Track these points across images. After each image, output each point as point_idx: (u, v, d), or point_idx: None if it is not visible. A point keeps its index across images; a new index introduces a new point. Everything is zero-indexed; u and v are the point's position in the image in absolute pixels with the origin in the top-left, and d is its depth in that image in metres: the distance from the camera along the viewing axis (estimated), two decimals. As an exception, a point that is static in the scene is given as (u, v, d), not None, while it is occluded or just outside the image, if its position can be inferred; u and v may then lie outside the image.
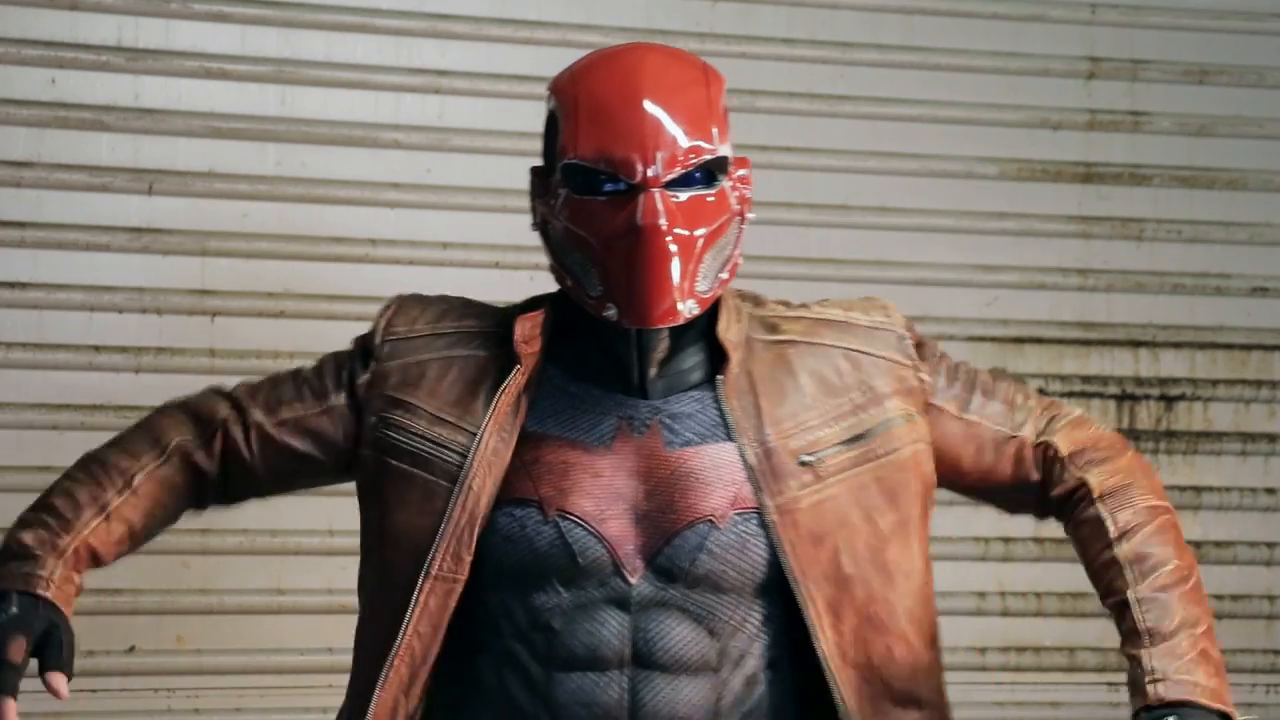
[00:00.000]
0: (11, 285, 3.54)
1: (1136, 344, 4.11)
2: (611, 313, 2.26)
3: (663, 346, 2.32)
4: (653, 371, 2.32)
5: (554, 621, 2.27)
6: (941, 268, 4.01)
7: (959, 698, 4.07)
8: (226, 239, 3.64)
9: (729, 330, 2.35)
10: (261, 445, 2.44)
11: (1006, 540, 4.01)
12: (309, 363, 2.48)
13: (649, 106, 2.26)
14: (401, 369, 2.39)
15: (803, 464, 2.30)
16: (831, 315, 2.43)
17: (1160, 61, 4.14)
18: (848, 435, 2.33)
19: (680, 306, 2.25)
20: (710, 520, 2.28)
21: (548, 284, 3.76)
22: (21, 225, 3.55)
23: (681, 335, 2.33)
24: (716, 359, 2.35)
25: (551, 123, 2.35)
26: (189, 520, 3.57)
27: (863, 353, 2.40)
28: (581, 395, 2.33)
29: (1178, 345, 4.13)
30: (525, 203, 3.89)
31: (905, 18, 4.03)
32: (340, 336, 3.67)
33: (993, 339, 4.04)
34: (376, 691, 2.28)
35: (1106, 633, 4.04)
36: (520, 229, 3.77)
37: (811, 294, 3.88)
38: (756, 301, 2.44)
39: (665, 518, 2.27)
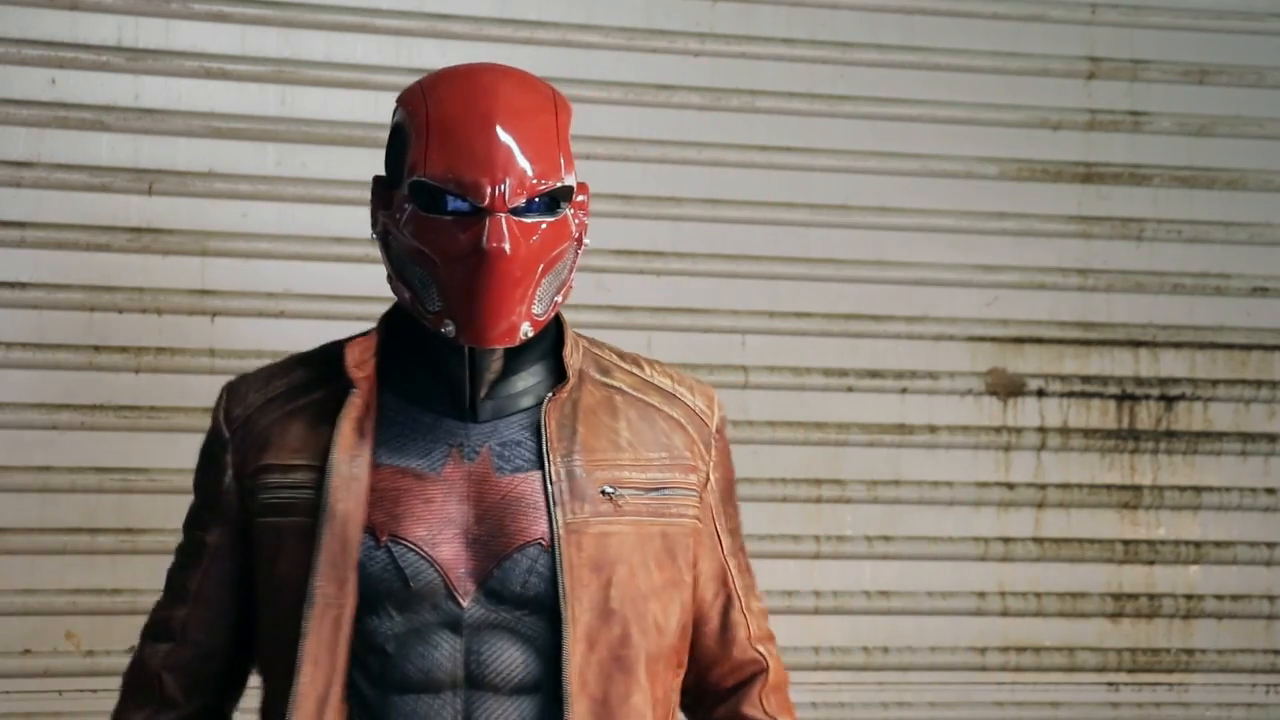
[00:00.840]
0: (11, 285, 3.54)
1: (1136, 344, 4.11)
2: (450, 329, 2.32)
3: (495, 367, 2.39)
4: (483, 392, 2.38)
5: (387, 645, 2.32)
6: (941, 268, 4.01)
7: (959, 698, 4.10)
8: (226, 239, 3.64)
9: (571, 357, 2.43)
10: (209, 638, 2.48)
11: (1006, 540, 4.01)
12: (184, 529, 2.53)
13: (500, 132, 2.29)
14: (250, 444, 2.42)
15: (604, 494, 2.37)
16: (660, 383, 2.50)
17: (1160, 61, 4.14)
18: (651, 485, 2.41)
19: (519, 328, 2.32)
20: (539, 543, 2.34)
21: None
22: (21, 225, 3.55)
23: (514, 358, 2.40)
24: (547, 386, 2.42)
25: (398, 135, 2.38)
26: (189, 520, 3.59)
27: (680, 425, 2.46)
28: (413, 423, 2.38)
29: (1178, 345, 4.13)
30: (525, 203, 3.88)
31: (905, 18, 4.03)
32: (340, 336, 3.68)
33: (993, 339, 4.04)
34: None
35: (1106, 633, 4.06)
36: (520, 229, 3.79)
37: (812, 294, 3.94)
38: (592, 341, 2.52)
39: (496, 541, 2.33)
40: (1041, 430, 4.05)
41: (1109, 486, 4.07)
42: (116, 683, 3.52)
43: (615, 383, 2.47)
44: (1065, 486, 4.05)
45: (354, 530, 2.32)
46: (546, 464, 2.36)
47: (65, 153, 3.58)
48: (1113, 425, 4.08)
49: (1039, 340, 4.07)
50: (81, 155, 3.59)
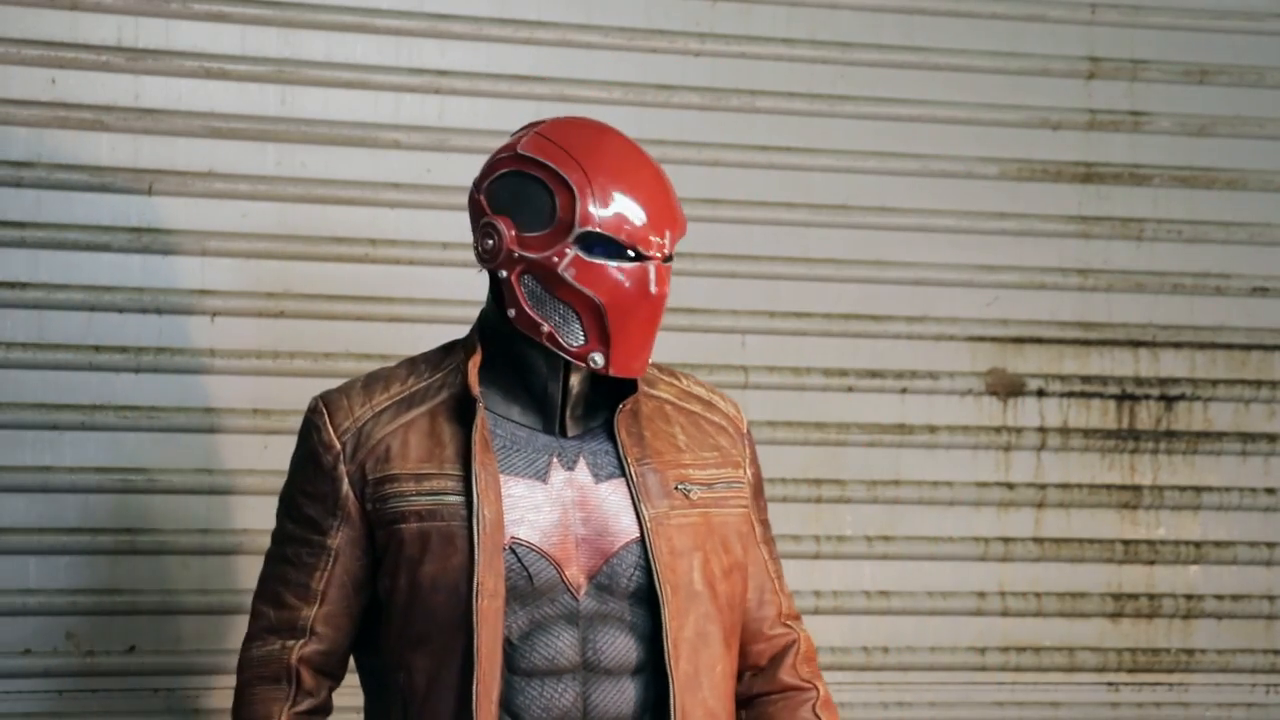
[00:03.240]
0: (11, 285, 3.54)
1: (1136, 344, 4.11)
2: (599, 361, 2.64)
3: (581, 388, 2.70)
4: (568, 412, 2.69)
5: (513, 637, 2.61)
6: (941, 268, 4.01)
7: (959, 698, 4.10)
8: (226, 239, 3.64)
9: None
10: (334, 632, 2.73)
11: (1006, 540, 4.02)
12: (289, 534, 2.73)
13: (666, 193, 2.67)
14: (368, 454, 2.67)
15: (678, 489, 2.69)
16: (698, 392, 2.84)
17: (1160, 61, 4.14)
18: (710, 480, 2.73)
19: (648, 360, 2.71)
20: (637, 540, 2.66)
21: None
22: (21, 225, 3.55)
23: (592, 380, 2.72)
24: (608, 403, 2.72)
25: (536, 184, 2.66)
26: (189, 520, 3.59)
27: (722, 428, 2.81)
28: (512, 436, 2.67)
29: (1178, 345, 4.13)
30: (525, 203, 3.85)
31: (905, 18, 4.03)
32: (340, 336, 3.68)
33: (993, 339, 4.04)
34: (474, 709, 2.56)
35: (1106, 633, 4.06)
36: (520, 229, 3.78)
37: (812, 294, 3.94)
38: None
39: (602, 540, 2.64)
40: (1041, 430, 4.05)
41: (1109, 486, 4.07)
42: (116, 683, 3.55)
43: (661, 394, 2.79)
44: (1065, 486, 4.05)
45: (500, 533, 2.59)
46: (627, 469, 2.67)
47: (65, 153, 3.58)
48: (1113, 425, 4.08)
49: (1039, 340, 4.07)
50: (81, 155, 3.59)
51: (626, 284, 2.62)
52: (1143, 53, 4.14)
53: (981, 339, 4.03)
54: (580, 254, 2.62)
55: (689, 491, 2.69)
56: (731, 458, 2.78)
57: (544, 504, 2.64)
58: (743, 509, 2.77)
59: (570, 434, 2.70)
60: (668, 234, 2.64)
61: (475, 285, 3.79)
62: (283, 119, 3.69)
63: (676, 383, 2.83)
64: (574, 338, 2.64)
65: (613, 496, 2.66)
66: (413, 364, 2.76)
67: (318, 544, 2.69)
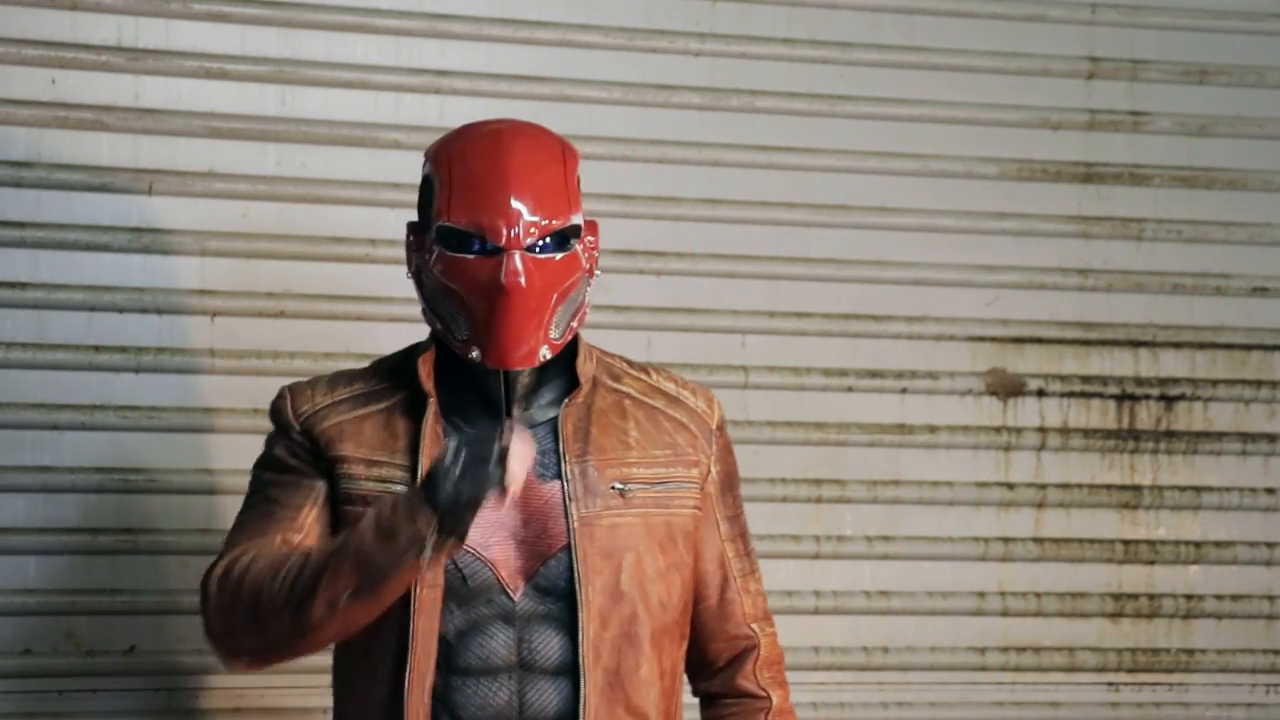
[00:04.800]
0: (11, 285, 3.54)
1: (1136, 344, 4.11)
2: (476, 355, 2.65)
3: (525, 383, 2.70)
4: (514, 408, 2.68)
5: (449, 635, 2.62)
6: (941, 268, 4.01)
7: (959, 698, 4.10)
8: (226, 239, 3.64)
9: (585, 365, 2.75)
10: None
11: (1006, 540, 4.02)
12: (266, 481, 2.75)
13: (513, 182, 2.65)
14: (324, 434, 2.72)
15: (614, 489, 2.68)
16: (665, 387, 2.81)
17: (1160, 61, 4.14)
18: (656, 479, 2.72)
19: (537, 351, 2.66)
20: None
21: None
22: (21, 225, 3.55)
23: (541, 374, 2.72)
24: (567, 395, 2.74)
25: (427, 186, 2.75)
26: (189, 520, 3.59)
27: (683, 425, 2.78)
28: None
29: (1178, 345, 4.13)
30: (525, 203, 3.86)
31: (905, 18, 4.03)
32: (340, 336, 3.68)
33: (993, 339, 4.04)
34: (405, 696, 2.58)
35: (1106, 633, 4.06)
36: (520, 229, 3.78)
37: (812, 294, 3.94)
38: (605, 352, 2.83)
39: (541, 541, 2.65)
40: (1041, 430, 4.05)
41: (1109, 486, 4.07)
42: (117, 683, 3.55)
43: (625, 388, 2.78)
44: (1065, 486, 4.05)
45: None
46: (562, 465, 2.68)
47: (65, 153, 3.58)
48: (1113, 425, 4.08)
49: (1039, 340, 4.07)
50: (81, 155, 3.59)
51: (481, 275, 2.62)
52: (1143, 53, 4.14)
53: (981, 339, 4.03)
54: (442, 249, 2.66)
55: (626, 491, 2.69)
56: (686, 456, 2.76)
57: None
58: (692, 509, 2.75)
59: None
60: (520, 222, 2.62)
61: (475, 285, 3.80)
62: (283, 119, 3.69)
63: (644, 377, 2.82)
64: (460, 332, 2.68)
65: (554, 497, 2.67)
66: (378, 364, 2.82)
67: (306, 485, 2.71)
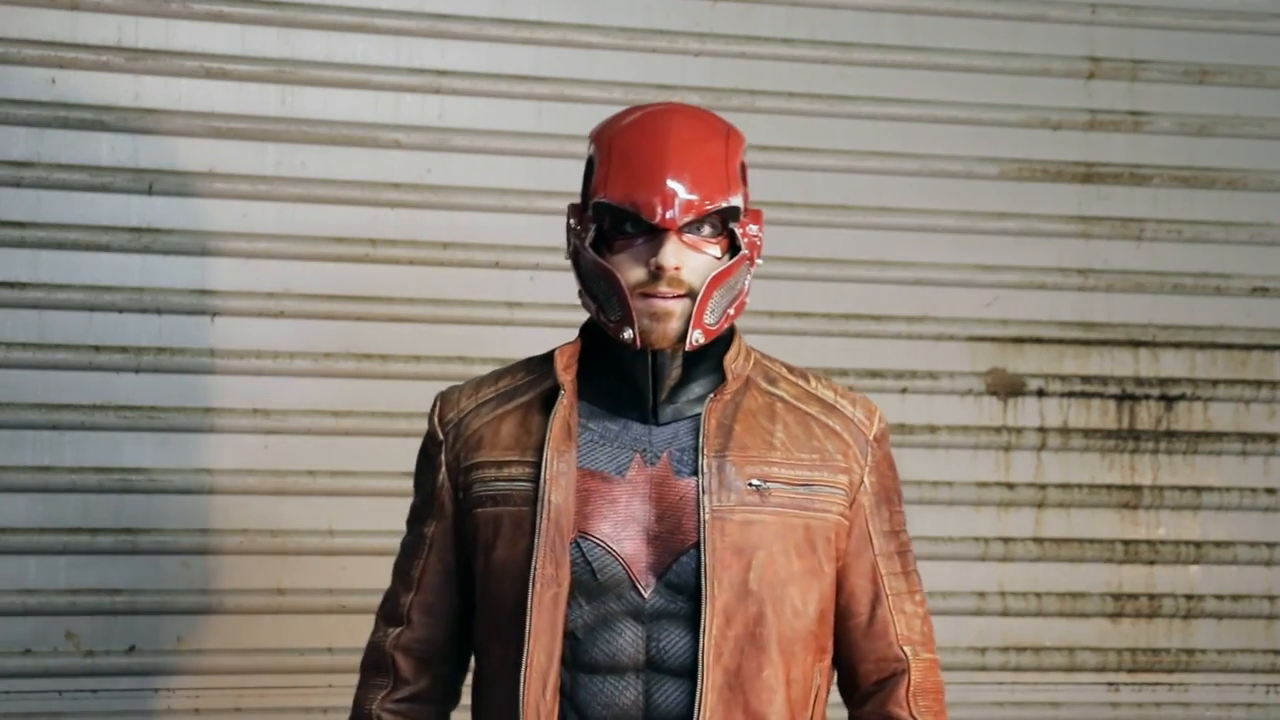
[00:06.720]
0: (11, 285, 3.54)
1: (1136, 344, 4.11)
2: (629, 334, 2.56)
3: (674, 375, 2.61)
4: (663, 397, 2.61)
5: (577, 631, 2.55)
6: (941, 268, 4.01)
7: (959, 698, 4.09)
8: (226, 239, 3.64)
9: (735, 361, 2.65)
10: (431, 620, 2.71)
11: (1006, 540, 4.02)
12: (407, 525, 2.72)
13: (671, 159, 2.55)
14: (463, 444, 2.67)
15: (751, 486, 2.58)
16: (823, 395, 2.71)
17: (1160, 61, 4.14)
18: (799, 481, 2.61)
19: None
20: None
21: (547, 283, 3.77)
22: (21, 225, 3.55)
23: (691, 366, 2.62)
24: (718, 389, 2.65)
25: (589, 166, 2.63)
26: (189, 520, 3.59)
27: (835, 433, 2.67)
28: (603, 430, 2.62)
29: (1178, 345, 4.13)
30: (525, 202, 3.90)
31: (905, 18, 4.03)
32: (340, 336, 3.68)
33: (993, 339, 4.04)
34: (522, 696, 2.53)
35: (1106, 633, 4.06)
36: (520, 229, 3.79)
37: (812, 294, 3.94)
38: (764, 355, 2.73)
39: (674, 538, 2.56)
40: (1041, 430, 4.05)
41: (1109, 486, 4.07)
42: (116, 683, 3.55)
43: (779, 391, 2.67)
44: (1065, 486, 4.05)
45: (566, 519, 2.55)
46: (700, 459, 2.58)
47: (65, 153, 3.58)
48: (1113, 425, 4.08)
49: (1039, 340, 4.07)
50: (81, 155, 3.59)
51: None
52: (1143, 53, 4.14)
53: (981, 339, 4.03)
54: (598, 226, 2.58)
55: (764, 488, 2.58)
56: (835, 462, 2.63)
57: (620, 499, 2.57)
58: (836, 515, 2.63)
59: (664, 420, 2.61)
60: (676, 201, 2.52)
61: (476, 285, 3.80)
62: (283, 119, 3.69)
63: (802, 383, 2.70)
64: (613, 313, 2.58)
65: (689, 493, 2.57)
66: (529, 361, 2.74)
67: (418, 533, 2.70)
